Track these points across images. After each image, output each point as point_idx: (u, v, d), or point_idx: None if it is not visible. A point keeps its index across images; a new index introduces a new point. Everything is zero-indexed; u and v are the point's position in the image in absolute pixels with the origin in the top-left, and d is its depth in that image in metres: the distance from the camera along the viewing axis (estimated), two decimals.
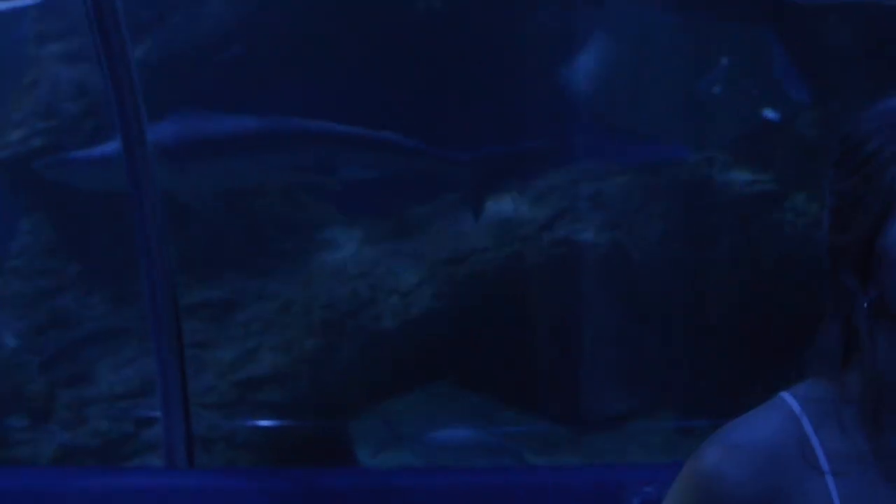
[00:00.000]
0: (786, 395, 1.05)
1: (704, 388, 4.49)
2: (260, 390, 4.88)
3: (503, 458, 4.31)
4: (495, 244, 4.82)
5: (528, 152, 4.91)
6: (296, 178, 5.13)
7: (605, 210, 4.81)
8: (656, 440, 4.79)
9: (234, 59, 5.49)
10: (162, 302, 2.01)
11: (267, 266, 5.22)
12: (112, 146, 4.88)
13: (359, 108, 5.14)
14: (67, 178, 5.36)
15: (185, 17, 5.60)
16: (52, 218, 5.72)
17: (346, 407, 4.87)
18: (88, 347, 5.40)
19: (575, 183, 4.92)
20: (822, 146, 4.56)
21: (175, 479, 2.05)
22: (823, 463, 0.99)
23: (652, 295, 4.64)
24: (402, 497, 2.00)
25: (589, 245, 4.72)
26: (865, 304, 1.02)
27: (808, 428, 1.01)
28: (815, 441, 1.01)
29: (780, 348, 4.39)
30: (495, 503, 2.07)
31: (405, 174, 5.09)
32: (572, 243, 4.77)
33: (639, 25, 5.46)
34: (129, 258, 5.36)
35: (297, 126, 5.00)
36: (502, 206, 4.93)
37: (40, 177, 5.50)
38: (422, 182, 5.16)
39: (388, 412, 4.88)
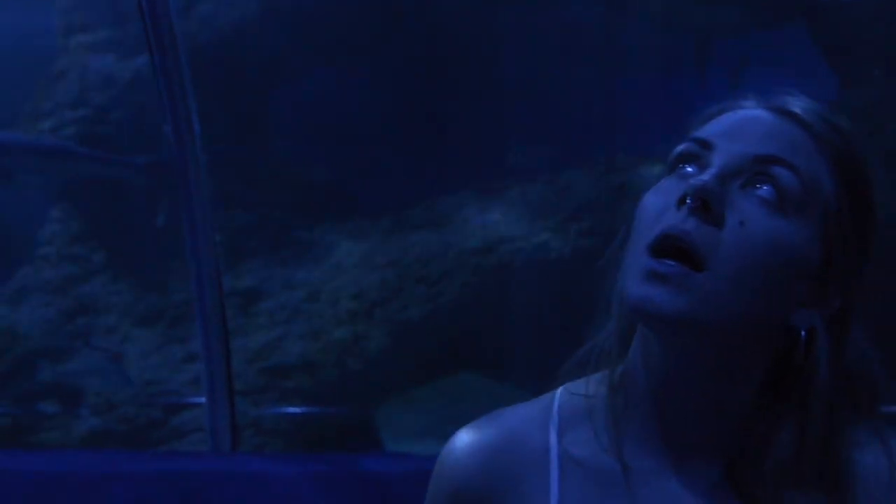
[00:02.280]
0: (560, 389, 1.03)
1: None
2: (287, 378, 4.92)
3: None
4: (523, 234, 4.83)
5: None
6: None
7: (632, 201, 4.81)
8: None
9: (259, 48, 5.52)
10: (207, 285, 2.04)
11: (294, 255, 5.25)
12: None
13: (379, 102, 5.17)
14: None
15: (213, 6, 5.63)
16: (80, 206, 5.77)
17: (373, 395, 4.90)
18: (116, 333, 5.46)
19: (601, 174, 4.93)
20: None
21: (220, 463, 2.08)
22: (554, 464, 0.97)
23: None
24: None
25: (616, 236, 4.72)
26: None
27: (554, 427, 0.98)
28: (553, 440, 0.98)
29: None
30: None
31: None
32: (599, 234, 4.78)
33: None
34: (155, 245, 5.45)
35: None
36: (530, 196, 4.95)
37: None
38: (449, 171, 5.18)
39: (415, 401, 4.91)
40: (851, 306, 0.94)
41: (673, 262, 0.91)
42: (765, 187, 0.92)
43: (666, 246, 0.92)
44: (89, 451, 4.58)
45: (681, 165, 0.97)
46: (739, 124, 0.96)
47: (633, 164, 4.95)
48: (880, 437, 0.95)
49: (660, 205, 0.95)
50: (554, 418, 1.00)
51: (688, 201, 0.92)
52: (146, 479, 2.01)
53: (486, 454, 0.99)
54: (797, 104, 0.97)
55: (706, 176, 0.92)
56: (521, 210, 4.89)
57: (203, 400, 2.27)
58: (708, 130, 0.97)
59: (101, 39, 5.96)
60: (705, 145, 0.96)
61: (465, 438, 1.01)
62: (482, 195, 5.02)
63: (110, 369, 4.82)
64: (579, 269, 4.83)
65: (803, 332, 0.92)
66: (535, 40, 5.26)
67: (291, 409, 4.83)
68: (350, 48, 5.40)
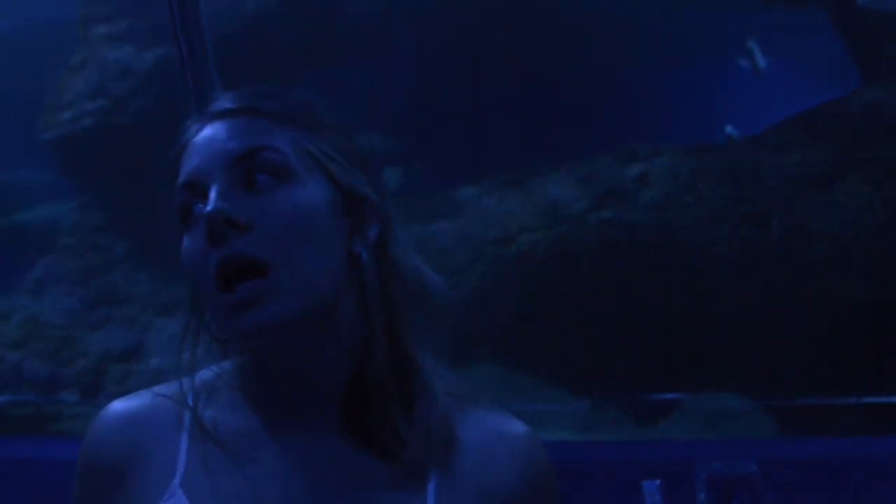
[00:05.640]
0: (203, 371, 1.09)
1: (752, 367, 4.48)
2: None
3: None
4: (542, 225, 4.82)
5: None
6: None
7: (651, 191, 4.80)
8: (699, 420, 4.80)
9: (279, 38, 5.53)
10: None
11: None
12: None
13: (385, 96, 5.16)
14: None
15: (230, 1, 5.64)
16: (103, 197, 5.80)
17: None
18: (138, 323, 5.48)
19: (621, 164, 4.91)
20: (874, 128, 4.53)
21: None
22: (185, 433, 1.03)
23: (700, 276, 4.64)
24: None
25: (636, 226, 4.72)
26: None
27: (190, 400, 1.04)
28: (187, 412, 1.04)
29: (830, 328, 4.38)
30: (561, 477, 2.09)
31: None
32: (619, 224, 4.76)
33: None
34: (176, 236, 5.47)
35: None
36: (549, 186, 4.94)
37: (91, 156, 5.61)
38: (469, 161, 5.17)
39: None
40: (388, 229, 1.04)
41: (242, 285, 0.96)
42: (261, 176, 1.00)
43: (228, 275, 0.97)
44: None
45: (194, 211, 1.01)
46: (204, 146, 1.02)
47: (653, 153, 4.93)
48: (489, 417, 1.05)
49: (196, 251, 1.00)
50: (190, 393, 1.05)
51: (213, 232, 0.98)
52: None
53: (124, 424, 1.05)
54: (229, 100, 1.05)
55: (209, 204, 0.98)
56: (541, 200, 4.88)
57: None
58: (186, 171, 1.03)
59: (121, 30, 5.98)
60: (193, 186, 1.01)
61: (109, 409, 1.07)
62: (503, 185, 5.02)
63: None
64: (600, 260, 4.84)
65: (364, 256, 1.02)
66: (557, 31, 5.25)
67: None
68: (371, 38, 5.40)
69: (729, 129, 5.02)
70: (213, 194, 0.97)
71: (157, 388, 1.07)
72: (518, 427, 1.05)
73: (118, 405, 1.06)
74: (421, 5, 5.35)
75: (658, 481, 1.93)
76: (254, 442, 1.02)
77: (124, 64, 5.94)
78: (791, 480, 2.16)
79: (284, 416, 1.02)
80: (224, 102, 1.04)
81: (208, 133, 1.02)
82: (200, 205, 0.99)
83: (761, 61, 5.20)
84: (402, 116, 5.42)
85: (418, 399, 1.01)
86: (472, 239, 4.87)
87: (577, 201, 4.83)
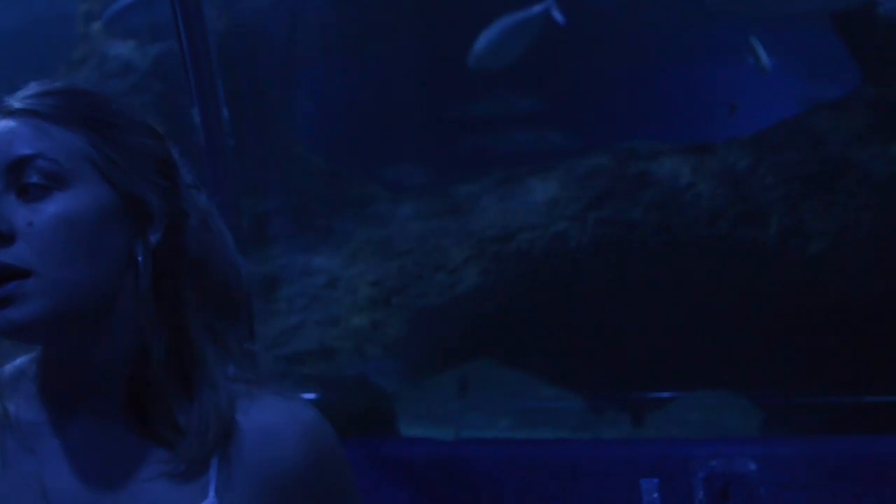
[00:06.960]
0: (26, 356, 1.15)
1: (750, 366, 4.49)
2: (305, 364, 4.93)
3: None
4: (542, 222, 4.83)
5: None
6: None
7: (651, 190, 4.80)
8: (695, 418, 4.81)
9: (279, 34, 5.52)
10: None
11: (313, 242, 5.26)
12: None
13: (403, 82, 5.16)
14: None
15: None
16: None
17: (391, 383, 4.91)
18: None
19: (621, 162, 4.92)
20: (874, 128, 4.53)
21: None
22: None
23: (698, 276, 4.64)
24: (476, 466, 2.03)
25: (635, 224, 4.72)
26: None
27: None
28: None
29: (829, 327, 4.39)
30: (560, 475, 2.10)
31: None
32: (619, 222, 4.77)
33: None
34: None
35: None
36: (549, 184, 4.94)
37: None
38: (470, 158, 5.17)
39: (432, 388, 4.92)
40: (181, 229, 1.08)
41: (3, 286, 1.01)
42: (32, 184, 1.03)
43: None
44: None
45: None
46: None
47: (653, 152, 4.93)
48: (276, 402, 1.08)
49: None
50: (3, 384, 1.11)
51: None
52: None
53: None
54: (19, 98, 1.07)
55: None
56: (540, 198, 4.89)
57: None
58: None
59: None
60: None
61: None
62: (501, 183, 5.02)
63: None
64: (598, 258, 4.84)
65: (139, 258, 1.05)
66: (555, 28, 5.25)
67: (309, 396, 4.84)
68: (370, 33, 5.40)
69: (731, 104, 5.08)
70: None
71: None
72: (304, 411, 1.08)
73: None
74: (419, 4, 5.36)
75: (656, 479, 1.93)
76: (45, 432, 1.07)
77: (125, 60, 5.93)
78: (789, 479, 2.16)
79: (73, 407, 1.07)
80: (9, 101, 1.07)
81: None
82: None
83: (766, 61, 5.20)
84: (403, 113, 5.42)
85: (199, 390, 1.05)
86: (472, 236, 4.88)
87: (577, 200, 4.84)
